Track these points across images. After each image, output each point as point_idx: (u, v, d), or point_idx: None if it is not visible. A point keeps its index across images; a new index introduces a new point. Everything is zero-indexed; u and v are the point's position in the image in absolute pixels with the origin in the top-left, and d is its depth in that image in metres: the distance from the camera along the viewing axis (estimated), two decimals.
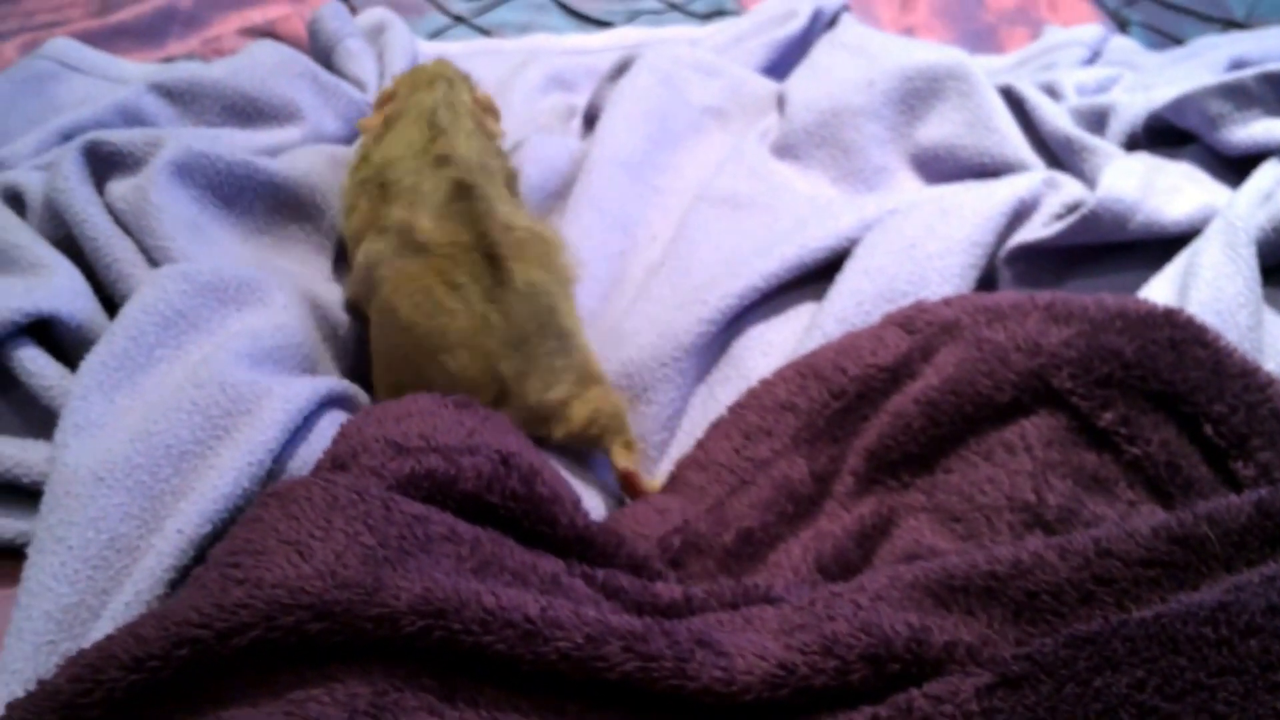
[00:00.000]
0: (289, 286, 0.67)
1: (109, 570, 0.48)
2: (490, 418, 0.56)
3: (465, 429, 0.52)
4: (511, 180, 0.75)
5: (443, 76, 0.74)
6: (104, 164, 0.71)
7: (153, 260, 0.67)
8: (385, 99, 0.76)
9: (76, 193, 0.67)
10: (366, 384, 0.66)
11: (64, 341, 0.63)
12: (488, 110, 0.77)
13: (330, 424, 0.58)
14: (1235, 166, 0.75)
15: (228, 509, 0.50)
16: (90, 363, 0.55)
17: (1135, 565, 0.38)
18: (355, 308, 0.70)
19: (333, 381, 0.61)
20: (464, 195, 0.62)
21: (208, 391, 0.54)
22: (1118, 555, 0.39)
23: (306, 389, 0.58)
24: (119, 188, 0.70)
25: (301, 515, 0.41)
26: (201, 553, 0.50)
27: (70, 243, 0.67)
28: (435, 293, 0.60)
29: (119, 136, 0.72)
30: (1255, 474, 0.49)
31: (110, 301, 0.66)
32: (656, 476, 0.65)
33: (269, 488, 0.44)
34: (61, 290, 0.62)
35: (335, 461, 0.48)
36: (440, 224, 0.61)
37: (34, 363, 0.59)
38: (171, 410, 0.53)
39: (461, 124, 0.70)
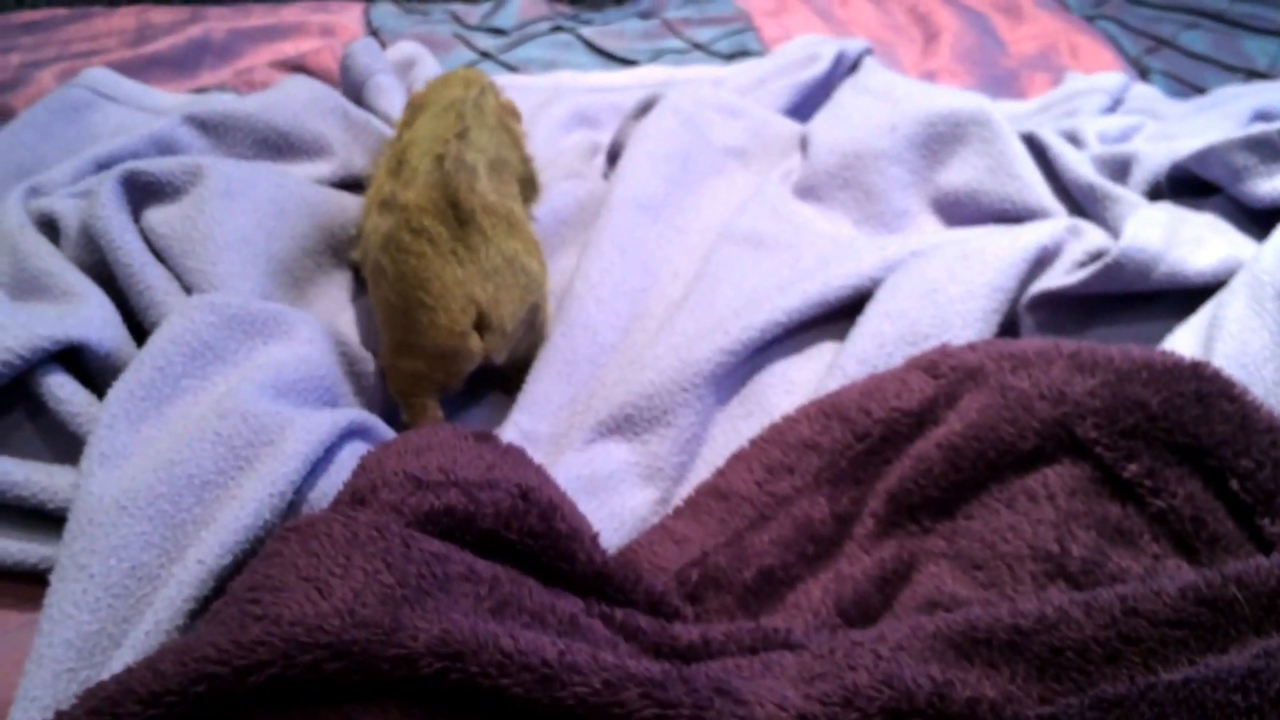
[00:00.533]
0: (314, 320, 0.68)
1: (130, 599, 0.48)
2: (509, 451, 0.56)
3: (485, 463, 0.53)
4: (529, 181, 0.80)
5: (473, 80, 0.79)
6: (142, 193, 0.73)
7: (188, 286, 0.68)
8: (418, 99, 0.81)
9: (113, 220, 0.68)
10: (392, 419, 0.67)
11: (93, 369, 0.64)
12: (510, 114, 0.83)
13: (351, 455, 0.59)
14: (1259, 219, 0.75)
15: (248, 540, 0.50)
16: (117, 392, 0.56)
17: (1162, 625, 0.38)
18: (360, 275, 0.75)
19: (353, 413, 0.62)
20: (440, 164, 0.66)
21: (231, 423, 0.54)
22: (1144, 614, 0.38)
23: (327, 421, 0.58)
24: (159, 215, 0.71)
25: (321, 551, 0.41)
26: (221, 583, 0.50)
27: (103, 270, 0.68)
28: (403, 239, 0.64)
29: (157, 166, 0.73)
30: None
31: (141, 329, 0.67)
32: (676, 500, 0.65)
33: (289, 521, 0.45)
34: (92, 318, 0.63)
35: (355, 495, 0.48)
36: (419, 191, 0.66)
37: (62, 390, 0.60)
38: (195, 441, 0.53)
39: (485, 119, 0.74)
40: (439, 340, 0.64)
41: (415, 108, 0.78)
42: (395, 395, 0.68)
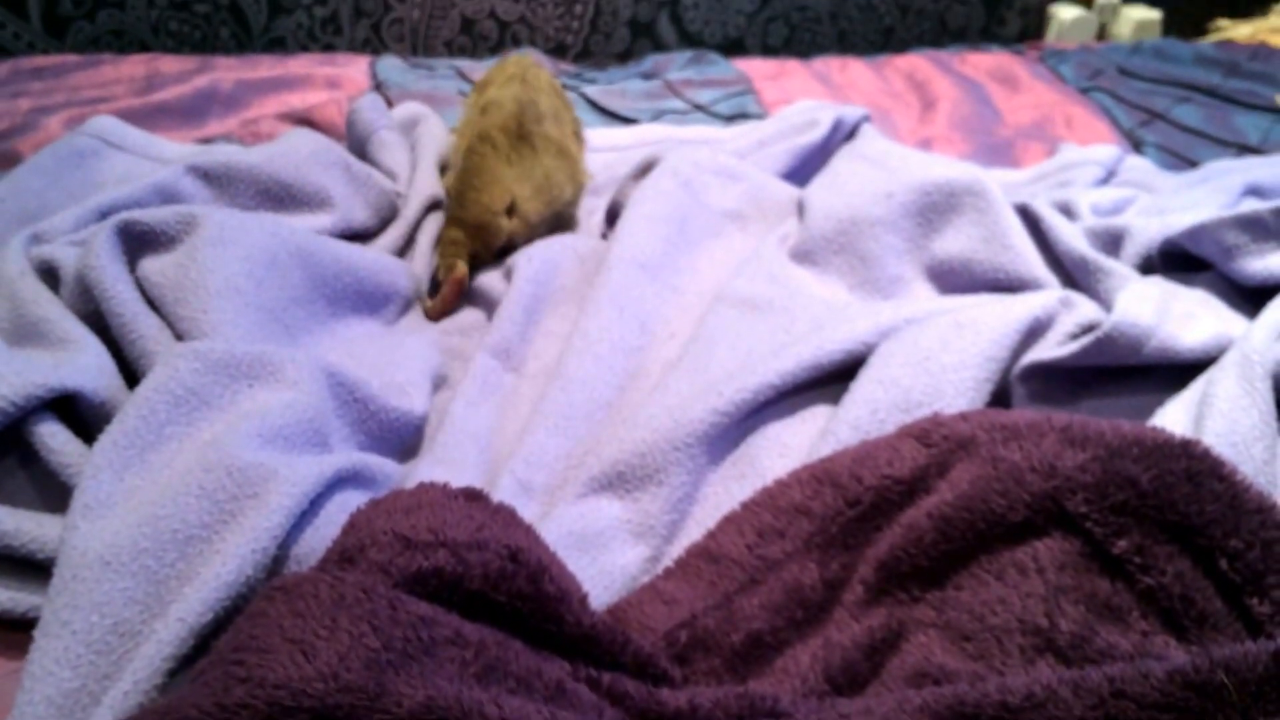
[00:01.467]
0: (302, 358, 0.68)
1: (111, 656, 0.48)
2: (500, 510, 0.56)
3: (475, 523, 0.52)
4: (577, 130, 1.02)
5: (524, 61, 1.00)
6: (137, 242, 0.73)
7: (180, 334, 0.68)
8: (484, 78, 1.01)
9: (107, 270, 0.68)
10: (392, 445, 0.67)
11: (87, 417, 0.64)
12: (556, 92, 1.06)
13: (338, 507, 0.58)
14: (1249, 296, 0.76)
15: (230, 596, 0.50)
16: (102, 442, 0.56)
17: (1150, 709, 0.38)
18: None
19: (342, 459, 0.62)
20: (517, 102, 0.90)
21: (215, 475, 0.54)
22: (1132, 697, 0.38)
23: (314, 471, 0.58)
24: (153, 264, 0.72)
25: (307, 612, 0.41)
26: (202, 641, 0.49)
27: (100, 318, 0.69)
28: (475, 144, 0.88)
29: (151, 216, 0.73)
30: (1271, 611, 0.49)
31: (136, 377, 0.66)
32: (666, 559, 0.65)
33: (276, 580, 0.44)
34: (87, 367, 0.63)
35: (343, 554, 0.48)
36: (497, 119, 0.89)
37: (54, 439, 0.60)
38: (179, 494, 0.53)
39: (543, 86, 0.97)
40: (478, 215, 0.86)
41: (483, 84, 1.00)
42: (438, 260, 0.88)
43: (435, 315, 0.86)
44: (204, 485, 0.54)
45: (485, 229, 0.86)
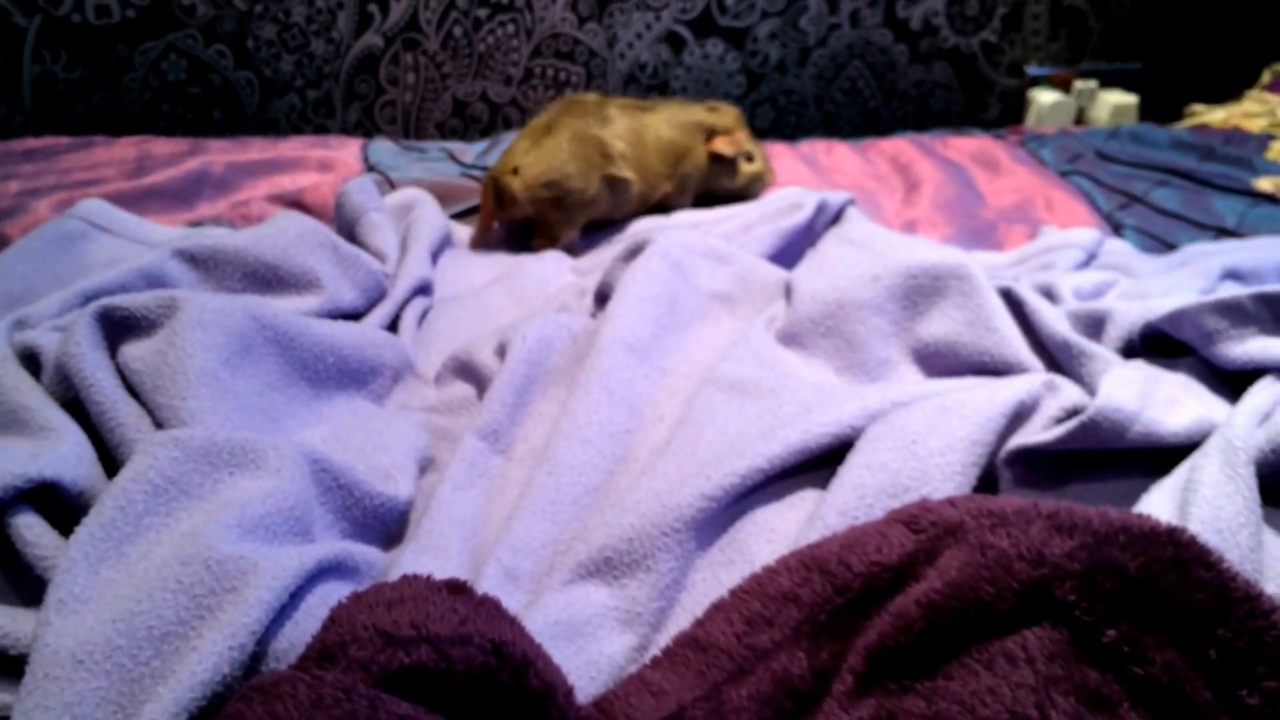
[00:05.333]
0: (284, 445, 0.67)
1: None
2: (484, 603, 0.55)
3: (458, 617, 0.52)
4: (688, 125, 1.28)
5: (590, 95, 1.26)
6: (118, 328, 0.73)
7: (160, 422, 0.68)
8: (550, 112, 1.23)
9: (87, 358, 0.68)
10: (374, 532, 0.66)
11: (66, 508, 0.63)
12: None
13: (320, 600, 0.57)
14: (1230, 379, 0.76)
15: (207, 696, 0.49)
16: (79, 535, 0.55)
17: None
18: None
19: (324, 550, 0.61)
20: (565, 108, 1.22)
21: (193, 569, 0.53)
22: None
23: (294, 563, 0.57)
24: (134, 350, 0.71)
25: (284, 714, 0.40)
26: None
27: (80, 405, 0.68)
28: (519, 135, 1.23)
29: (132, 301, 0.73)
30: (1260, 703, 0.48)
31: (116, 466, 0.66)
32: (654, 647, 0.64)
33: (253, 680, 0.44)
34: (66, 456, 0.62)
35: (323, 651, 0.47)
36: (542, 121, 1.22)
37: (30, 531, 0.59)
38: (156, 589, 0.52)
39: (610, 105, 1.24)
40: (496, 170, 1.17)
41: (554, 111, 1.23)
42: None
43: (474, 243, 1.18)
44: (181, 579, 0.53)
45: (500, 184, 1.16)
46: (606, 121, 1.20)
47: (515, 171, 1.14)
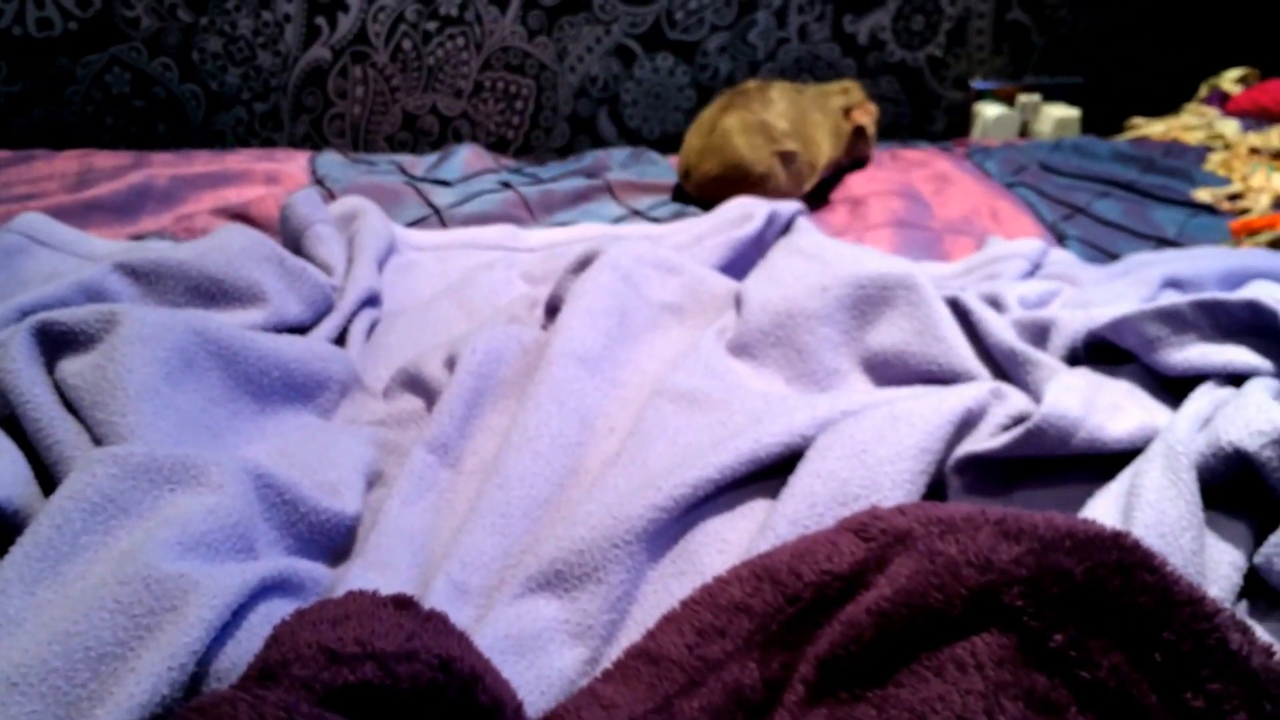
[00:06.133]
0: (227, 461, 0.66)
1: None
2: (430, 618, 0.54)
3: (404, 632, 0.51)
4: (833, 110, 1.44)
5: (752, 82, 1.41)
6: (55, 343, 0.71)
7: (99, 439, 0.66)
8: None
9: (23, 374, 0.66)
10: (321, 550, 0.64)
11: (1, 527, 0.61)
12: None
13: (262, 618, 0.56)
14: (1171, 385, 0.78)
15: (144, 718, 0.47)
16: (13, 555, 0.54)
17: None
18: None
19: (267, 567, 0.60)
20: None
21: (131, 588, 0.52)
22: None
23: (237, 581, 0.56)
24: (72, 365, 0.70)
25: None
26: None
27: (16, 422, 0.66)
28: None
29: (70, 315, 0.72)
30: (1204, 706, 0.49)
31: (54, 484, 0.64)
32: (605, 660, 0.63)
33: (193, 701, 0.42)
34: (2, 474, 0.61)
35: (265, 670, 0.46)
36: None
37: None
38: (93, 608, 0.51)
39: (773, 90, 1.37)
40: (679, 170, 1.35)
41: (719, 103, 1.36)
42: None
43: None
44: (119, 599, 0.51)
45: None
46: (769, 104, 1.31)
47: (687, 175, 1.28)
